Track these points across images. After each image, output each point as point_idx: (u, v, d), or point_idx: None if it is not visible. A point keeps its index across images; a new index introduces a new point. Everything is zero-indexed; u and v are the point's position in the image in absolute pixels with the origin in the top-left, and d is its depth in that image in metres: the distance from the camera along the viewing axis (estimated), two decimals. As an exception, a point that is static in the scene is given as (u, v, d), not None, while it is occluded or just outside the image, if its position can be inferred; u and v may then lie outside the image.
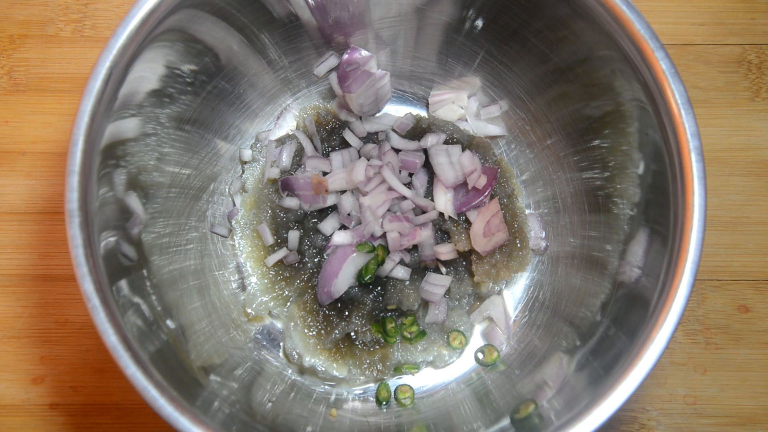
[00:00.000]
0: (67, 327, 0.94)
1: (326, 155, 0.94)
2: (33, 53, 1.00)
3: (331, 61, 0.95)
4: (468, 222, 0.89)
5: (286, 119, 0.98)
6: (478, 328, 0.95)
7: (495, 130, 0.98)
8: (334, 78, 0.95)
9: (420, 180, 0.91)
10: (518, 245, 0.91)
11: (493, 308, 0.93)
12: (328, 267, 0.88)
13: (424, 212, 0.90)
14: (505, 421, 0.78)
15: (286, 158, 0.94)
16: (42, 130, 0.99)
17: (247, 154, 0.97)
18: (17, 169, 0.98)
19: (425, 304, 0.92)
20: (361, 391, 0.92)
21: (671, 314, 0.66)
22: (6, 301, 0.95)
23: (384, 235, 0.88)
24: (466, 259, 0.91)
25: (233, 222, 0.95)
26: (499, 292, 0.95)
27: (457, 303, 0.94)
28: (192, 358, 0.77)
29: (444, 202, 0.89)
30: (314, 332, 0.89)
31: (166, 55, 0.74)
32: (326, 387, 0.91)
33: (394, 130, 0.96)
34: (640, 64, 0.70)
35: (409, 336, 0.90)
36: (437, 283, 0.89)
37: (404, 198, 0.89)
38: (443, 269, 0.92)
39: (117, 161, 0.72)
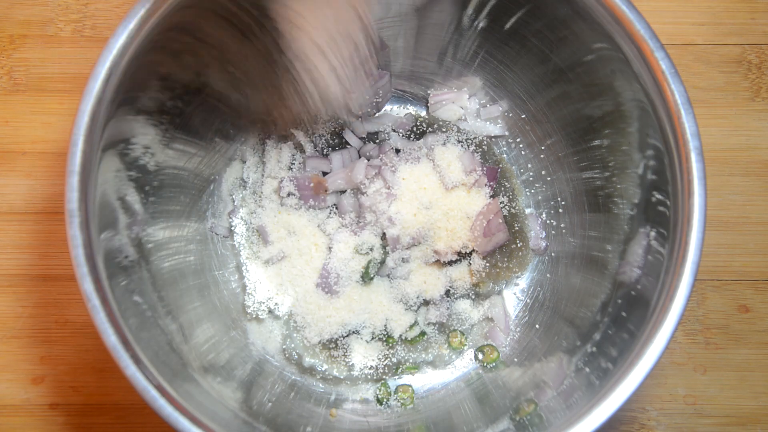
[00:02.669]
0: (67, 327, 0.94)
1: (326, 155, 0.94)
2: (33, 53, 1.00)
3: (331, 61, 0.95)
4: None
5: (286, 119, 0.98)
6: (478, 328, 0.95)
7: (495, 130, 0.98)
8: (334, 78, 0.95)
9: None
10: (518, 245, 0.91)
11: (493, 308, 0.93)
12: (329, 266, 0.88)
13: (424, 212, 0.90)
14: (505, 421, 0.78)
15: (285, 158, 0.94)
16: (42, 130, 0.98)
17: (247, 153, 0.97)
18: (17, 169, 0.98)
19: (425, 303, 0.92)
20: (361, 392, 0.92)
21: (671, 314, 0.66)
22: (6, 301, 0.95)
23: (384, 235, 0.88)
24: (466, 259, 0.91)
25: (233, 221, 0.95)
26: (499, 292, 0.95)
27: (457, 303, 0.94)
28: (192, 358, 0.77)
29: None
30: (314, 332, 0.88)
31: (166, 55, 0.74)
32: (326, 387, 0.91)
33: (394, 130, 0.96)
34: (640, 64, 0.70)
35: (409, 336, 0.90)
36: (437, 284, 0.90)
37: (404, 198, 0.89)
38: (444, 270, 0.92)
39: (117, 161, 0.72)
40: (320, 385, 0.91)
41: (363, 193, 0.89)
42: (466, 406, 0.87)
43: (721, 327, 0.96)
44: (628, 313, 0.73)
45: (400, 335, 0.90)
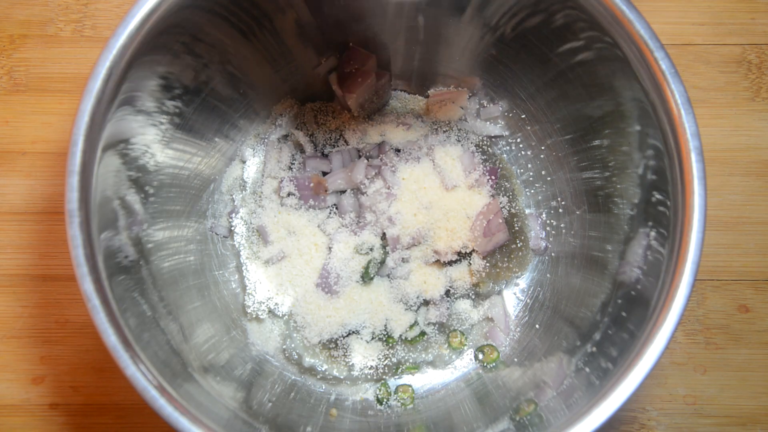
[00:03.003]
0: (67, 327, 0.94)
1: (326, 155, 0.94)
2: (33, 53, 1.00)
3: (331, 61, 0.95)
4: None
5: (286, 119, 0.98)
6: (478, 328, 0.95)
7: (495, 130, 0.98)
8: (334, 78, 0.95)
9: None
10: (518, 245, 0.91)
11: (493, 308, 0.93)
12: (329, 266, 0.88)
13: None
14: (505, 421, 0.78)
15: (285, 158, 0.94)
16: (42, 130, 0.99)
17: (247, 153, 0.97)
18: (17, 169, 0.98)
19: (425, 303, 0.92)
20: (361, 392, 0.92)
21: (671, 314, 0.66)
22: (6, 301, 0.95)
23: (384, 235, 0.88)
24: (466, 259, 0.91)
25: (233, 221, 0.95)
26: (499, 292, 0.95)
27: (457, 303, 0.94)
28: (192, 358, 0.77)
29: (444, 202, 0.89)
30: (314, 332, 0.88)
31: (166, 55, 0.74)
32: (326, 387, 0.91)
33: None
34: (640, 64, 0.70)
35: (409, 336, 0.90)
36: (437, 284, 0.90)
37: (404, 198, 0.89)
38: (444, 270, 0.92)
39: (117, 161, 0.72)
40: (320, 385, 0.91)
41: (363, 193, 0.89)
42: (466, 406, 0.87)
43: (721, 327, 0.96)
44: (628, 313, 0.73)
45: (400, 335, 0.90)
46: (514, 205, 0.93)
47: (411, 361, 0.91)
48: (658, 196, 0.72)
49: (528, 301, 0.95)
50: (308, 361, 0.89)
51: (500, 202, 0.91)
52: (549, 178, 0.95)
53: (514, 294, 0.96)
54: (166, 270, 0.81)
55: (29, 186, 0.97)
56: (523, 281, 0.96)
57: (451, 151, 0.90)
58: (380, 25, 0.90)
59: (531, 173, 0.97)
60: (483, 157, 0.94)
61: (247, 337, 0.92)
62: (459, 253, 0.90)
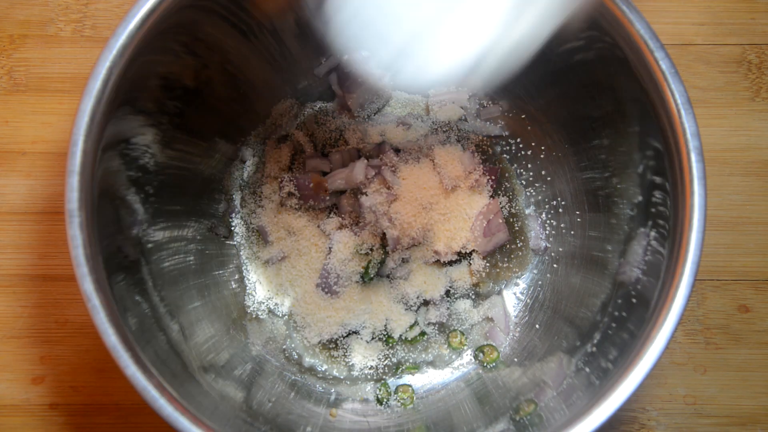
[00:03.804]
0: (67, 327, 0.94)
1: (326, 155, 0.94)
2: (33, 53, 1.00)
3: (331, 61, 0.95)
4: (468, 222, 0.89)
5: (286, 119, 0.98)
6: (478, 328, 0.95)
7: (495, 130, 0.98)
8: (334, 78, 0.95)
9: (420, 180, 0.91)
10: (518, 245, 0.91)
11: (493, 308, 0.93)
12: (329, 266, 0.88)
13: (424, 212, 0.90)
14: (505, 421, 0.78)
15: (285, 158, 0.94)
16: (42, 130, 0.98)
17: (247, 153, 0.97)
18: (17, 169, 0.98)
19: (425, 303, 0.92)
20: (361, 392, 0.92)
21: (671, 314, 0.66)
22: (6, 301, 0.95)
23: (384, 235, 0.88)
24: (466, 259, 0.91)
25: (233, 221, 0.95)
26: (499, 292, 0.95)
27: (457, 303, 0.94)
28: (192, 358, 0.77)
29: (444, 202, 0.89)
30: (314, 332, 0.88)
31: (166, 55, 0.74)
32: (326, 387, 0.91)
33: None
34: (640, 64, 0.70)
35: (409, 336, 0.90)
36: (438, 284, 0.90)
37: (404, 198, 0.89)
38: (444, 270, 0.92)
39: (117, 161, 0.72)
40: (320, 385, 0.91)
41: (363, 193, 0.89)
42: (466, 406, 0.87)
43: (721, 327, 0.96)
44: (628, 313, 0.73)
45: (400, 335, 0.90)
46: (514, 205, 0.93)
47: (411, 361, 0.91)
48: (658, 196, 0.72)
49: (528, 301, 0.95)
50: (308, 361, 0.89)
51: (500, 202, 0.91)
52: (549, 178, 0.95)
53: (514, 294, 0.96)
54: (167, 270, 0.81)
55: (29, 186, 0.97)
56: (523, 281, 0.96)
57: (451, 151, 0.90)
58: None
59: (531, 173, 0.97)
60: (483, 157, 0.94)
61: (247, 337, 0.92)
62: (459, 253, 0.90)
